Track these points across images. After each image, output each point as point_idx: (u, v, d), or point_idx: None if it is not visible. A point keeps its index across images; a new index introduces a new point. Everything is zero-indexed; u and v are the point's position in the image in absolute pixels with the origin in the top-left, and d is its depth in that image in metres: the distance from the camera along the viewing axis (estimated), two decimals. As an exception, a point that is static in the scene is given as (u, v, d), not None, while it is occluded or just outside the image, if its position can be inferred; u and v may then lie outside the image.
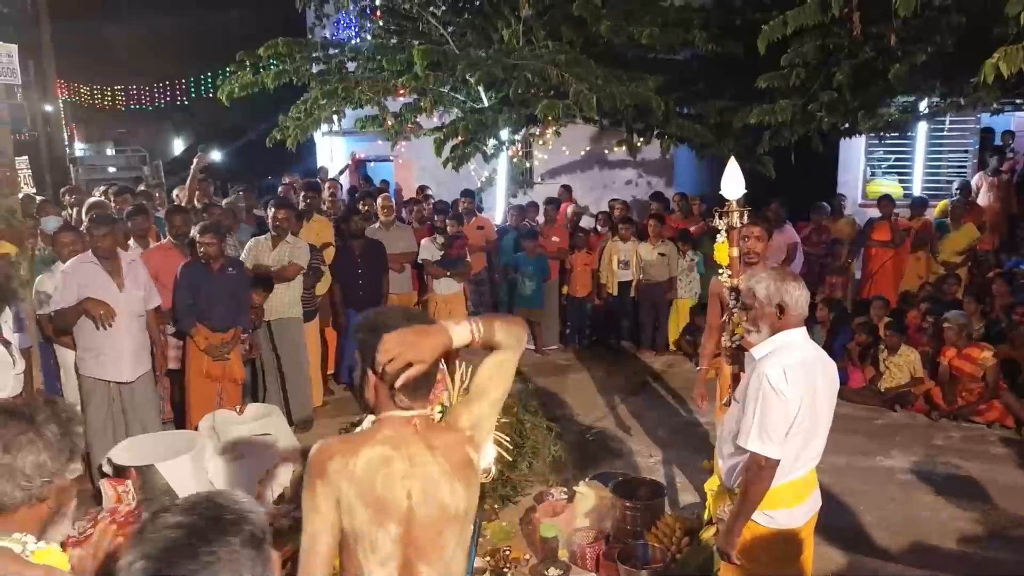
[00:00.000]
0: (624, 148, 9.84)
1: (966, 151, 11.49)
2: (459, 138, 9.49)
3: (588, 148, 12.01)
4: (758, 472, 2.74)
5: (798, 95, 7.85)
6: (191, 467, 4.56)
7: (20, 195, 6.38)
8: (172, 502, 1.37)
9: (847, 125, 8.79)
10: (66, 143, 19.05)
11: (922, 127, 11.01)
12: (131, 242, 6.09)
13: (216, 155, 20.26)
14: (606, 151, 11.66)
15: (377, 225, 7.59)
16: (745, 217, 3.59)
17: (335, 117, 9.79)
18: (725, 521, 2.93)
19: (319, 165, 14.46)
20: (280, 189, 10.23)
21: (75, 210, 7.24)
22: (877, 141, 11.60)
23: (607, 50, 9.12)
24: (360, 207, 8.24)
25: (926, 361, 6.70)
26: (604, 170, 12.39)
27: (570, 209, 9.64)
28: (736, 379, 3.43)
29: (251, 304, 5.92)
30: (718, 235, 3.70)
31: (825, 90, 7.85)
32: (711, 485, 3.51)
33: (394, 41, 9.87)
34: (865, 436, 6.03)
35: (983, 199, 10.05)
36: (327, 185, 9.94)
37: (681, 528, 4.12)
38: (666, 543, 4.04)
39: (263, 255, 6.24)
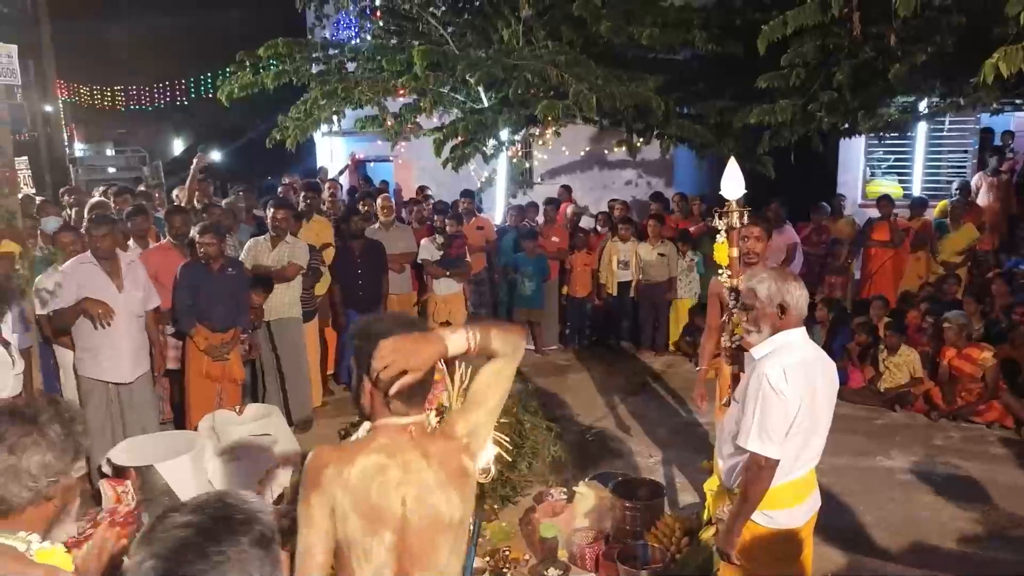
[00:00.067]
0: (624, 148, 9.84)
1: (966, 151, 11.49)
2: (459, 138, 9.49)
3: (588, 148, 12.01)
4: (758, 472, 2.74)
5: (798, 95, 7.85)
6: (191, 467, 4.56)
7: (20, 195, 6.38)
8: (181, 502, 1.37)
9: (847, 125, 8.79)
10: (66, 143, 19.06)
11: (922, 127, 11.02)
12: (131, 242, 6.09)
13: (216, 155, 20.25)
14: (606, 151, 11.66)
15: (377, 225, 7.58)
16: (745, 217, 3.59)
17: (335, 117, 9.78)
18: (725, 521, 2.93)
19: (319, 165, 14.46)
20: (280, 189, 10.22)
21: (74, 210, 7.24)
22: (877, 141, 11.60)
23: (607, 50, 9.12)
24: (360, 207, 8.24)
25: (926, 361, 6.70)
26: (604, 170, 12.39)
27: (570, 209, 9.64)
28: (736, 379, 3.43)
29: (251, 304, 5.92)
30: (718, 235, 3.71)
31: (825, 90, 7.85)
32: (711, 485, 3.52)
33: (394, 41, 9.86)
34: (865, 436, 6.03)
35: (983, 199, 10.05)
36: (327, 185, 9.94)
37: (681, 528, 4.12)
38: (666, 543, 4.04)
39: (262, 255, 6.24)
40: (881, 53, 7.27)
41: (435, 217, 8.28)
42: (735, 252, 3.63)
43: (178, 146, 27.06)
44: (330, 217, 7.79)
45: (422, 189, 10.98)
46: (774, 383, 2.68)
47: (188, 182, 7.66)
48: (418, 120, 10.00)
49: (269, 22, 12.97)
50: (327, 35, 11.30)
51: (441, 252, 7.56)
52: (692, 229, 8.58)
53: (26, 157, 12.86)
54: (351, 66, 9.75)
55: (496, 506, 4.61)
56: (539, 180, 12.54)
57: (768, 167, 8.78)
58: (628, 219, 8.72)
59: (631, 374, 7.80)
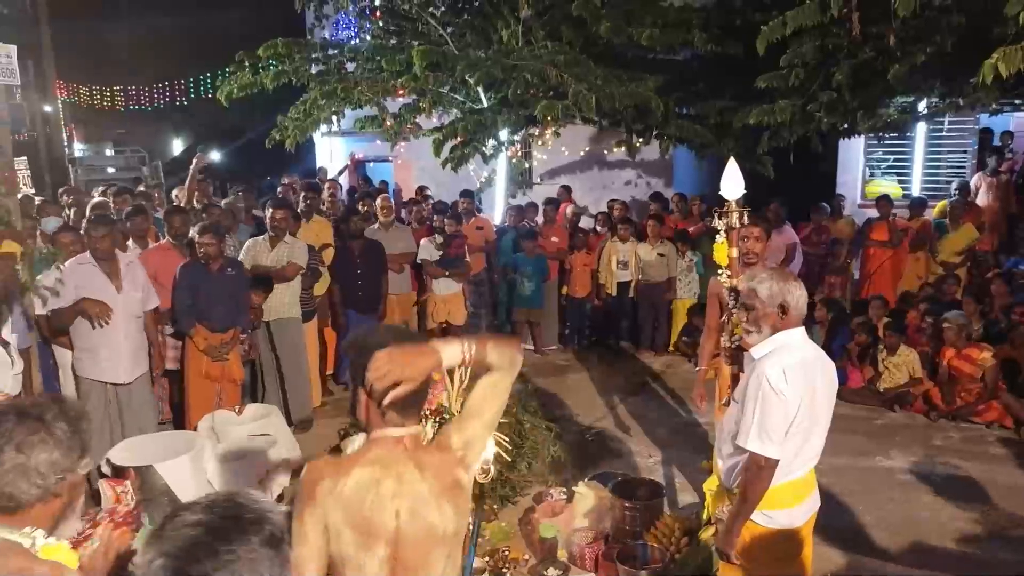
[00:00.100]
0: (623, 148, 9.84)
1: (965, 151, 11.49)
2: (458, 138, 9.49)
3: (587, 148, 12.01)
4: (757, 472, 2.74)
5: (797, 95, 7.85)
6: (190, 467, 4.55)
7: (19, 195, 6.37)
8: (192, 500, 1.37)
9: (846, 125, 8.80)
10: (65, 143, 19.06)
11: (921, 127, 11.02)
12: (130, 242, 6.09)
13: (215, 155, 20.25)
14: (605, 152, 11.66)
15: (376, 226, 7.58)
16: (744, 217, 3.60)
17: (334, 117, 9.78)
18: (724, 521, 2.93)
19: (318, 165, 14.47)
20: (279, 190, 10.22)
21: (73, 211, 7.23)
22: (876, 141, 11.60)
23: (607, 50, 9.12)
24: (359, 208, 8.24)
25: (925, 361, 6.70)
26: (603, 170, 12.39)
27: (569, 209, 9.64)
28: (735, 379, 3.44)
29: (250, 304, 5.91)
30: (717, 235, 3.71)
31: (824, 90, 7.86)
32: (710, 485, 3.51)
33: (393, 42, 9.86)
34: (864, 436, 6.03)
35: (982, 199, 10.05)
36: (327, 186, 9.94)
37: (680, 528, 4.12)
38: (665, 543, 4.04)
39: (261, 256, 6.23)
40: (880, 53, 7.27)
41: (434, 217, 8.27)
42: (735, 252, 3.64)
43: (177, 146, 27.07)
44: (329, 217, 7.79)
45: (421, 189, 10.97)
46: (774, 383, 2.68)
47: (187, 182, 7.67)
48: (417, 120, 10.00)
49: (268, 22, 12.97)
50: (326, 35, 11.29)
51: (440, 252, 7.56)
52: (691, 229, 8.59)
53: (25, 157, 12.83)
54: (350, 66, 9.74)
55: (496, 506, 4.60)
56: (538, 180, 12.54)
57: (767, 167, 8.78)
58: (627, 219, 8.72)
59: (630, 374, 7.80)
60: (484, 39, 9.42)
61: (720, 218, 3.61)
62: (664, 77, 8.65)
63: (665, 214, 9.02)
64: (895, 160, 11.92)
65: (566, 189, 10.73)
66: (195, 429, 5.26)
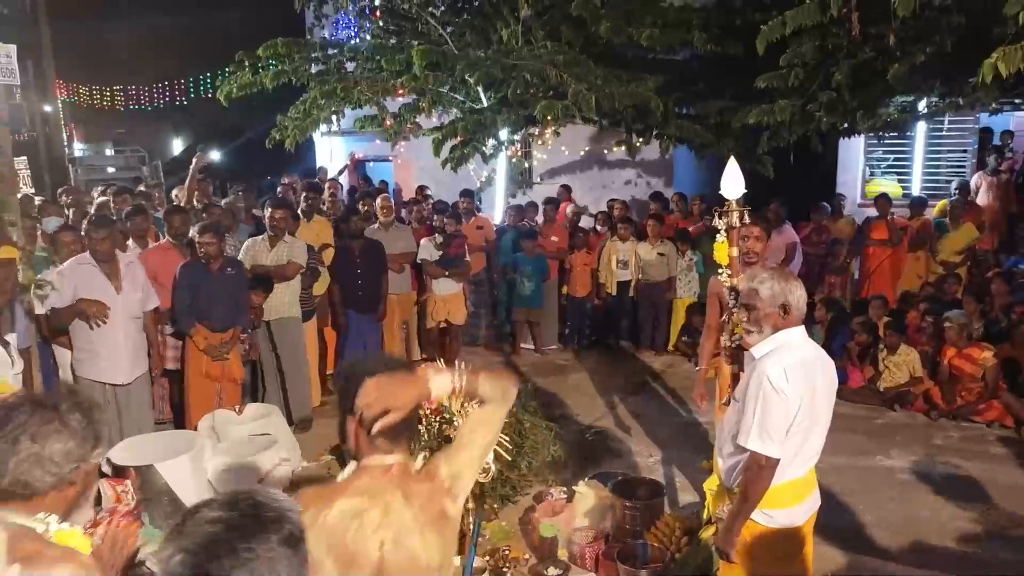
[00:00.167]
0: (623, 148, 9.84)
1: (965, 151, 11.49)
2: (458, 138, 9.49)
3: (587, 148, 12.01)
4: (758, 471, 2.74)
5: (797, 95, 7.85)
6: (190, 467, 4.56)
7: (19, 195, 6.37)
8: (211, 497, 1.38)
9: (846, 125, 8.80)
10: (65, 143, 19.06)
11: (921, 127, 11.02)
12: (130, 242, 6.09)
13: (215, 155, 20.27)
14: (605, 151, 11.66)
15: (376, 225, 7.58)
16: (745, 217, 3.60)
17: (334, 117, 9.78)
18: (724, 520, 2.93)
19: (318, 165, 14.46)
20: (279, 189, 10.22)
21: (72, 211, 7.23)
22: (876, 141, 11.60)
23: (606, 50, 9.12)
24: (359, 207, 8.24)
25: (925, 361, 6.70)
26: (603, 170, 12.39)
27: (569, 209, 9.64)
28: (735, 378, 3.44)
29: (250, 304, 5.91)
30: (717, 235, 3.71)
31: (824, 90, 7.86)
32: (710, 484, 3.51)
33: (393, 41, 9.86)
34: (865, 436, 6.03)
35: (982, 199, 10.05)
36: (327, 185, 9.94)
37: (680, 528, 4.12)
38: (665, 543, 4.04)
39: (261, 255, 6.23)
40: (880, 53, 7.27)
41: (434, 217, 8.27)
42: (735, 252, 3.64)
43: (177, 146, 27.08)
44: (330, 217, 7.79)
45: (421, 189, 10.97)
46: (775, 382, 2.68)
47: (187, 182, 7.66)
48: (417, 120, 10.00)
49: (268, 22, 12.98)
50: (326, 35, 11.29)
51: (440, 252, 7.55)
52: (691, 229, 8.59)
53: (25, 157, 12.86)
54: (350, 66, 9.74)
55: (496, 505, 4.61)
56: (538, 180, 12.54)
57: (767, 167, 8.78)
58: (627, 219, 8.73)
59: (631, 373, 7.80)
60: (484, 39, 9.42)
61: (720, 217, 3.61)
62: (664, 77, 8.65)
63: (665, 214, 9.01)
64: (895, 159, 11.92)
65: (566, 189, 10.73)
66: (195, 429, 5.27)
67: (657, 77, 8.48)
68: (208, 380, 5.59)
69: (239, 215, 7.54)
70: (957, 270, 8.19)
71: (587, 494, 4.50)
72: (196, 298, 5.52)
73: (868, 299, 7.79)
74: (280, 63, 9.28)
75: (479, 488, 4.00)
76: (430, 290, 7.67)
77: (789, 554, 2.91)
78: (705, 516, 3.83)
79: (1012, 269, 8.16)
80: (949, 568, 4.24)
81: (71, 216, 7.01)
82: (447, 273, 7.51)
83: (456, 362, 4.25)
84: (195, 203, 7.36)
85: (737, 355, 3.52)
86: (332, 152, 15.28)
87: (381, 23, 10.44)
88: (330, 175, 13.03)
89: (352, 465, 1.98)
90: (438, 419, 3.91)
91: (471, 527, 3.84)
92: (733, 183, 3.56)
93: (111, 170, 19.37)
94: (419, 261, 7.62)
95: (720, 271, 3.79)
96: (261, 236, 6.39)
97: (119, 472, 4.59)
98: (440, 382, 1.93)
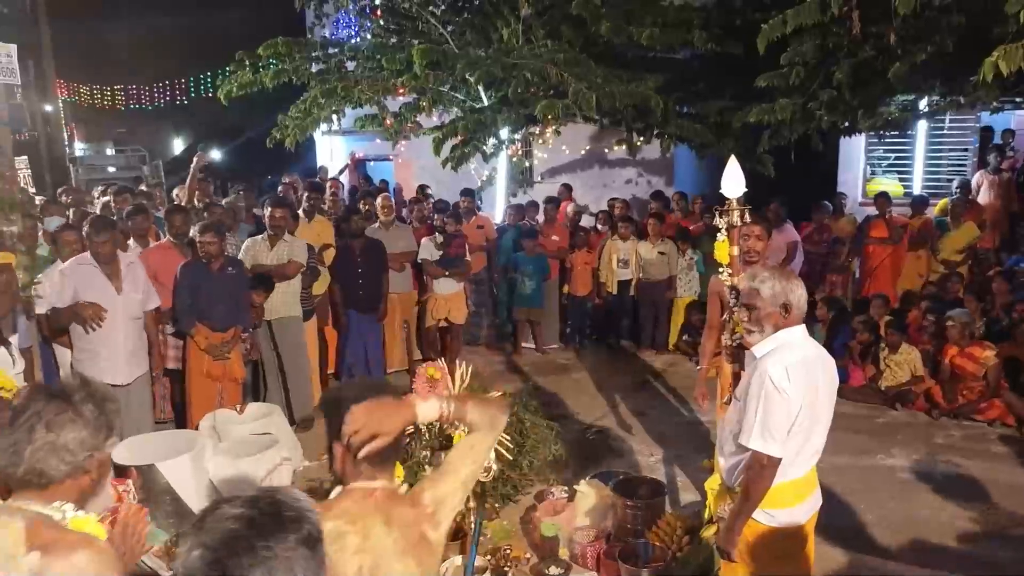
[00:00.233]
0: (624, 147, 9.84)
1: (966, 149, 11.49)
2: (458, 137, 9.49)
3: (588, 147, 12.01)
4: (760, 471, 2.74)
5: (798, 94, 7.85)
6: (191, 467, 4.55)
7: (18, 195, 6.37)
8: (234, 495, 1.38)
9: (847, 124, 8.79)
10: (66, 143, 19.08)
11: (922, 126, 11.01)
12: (130, 242, 6.08)
13: (216, 154, 20.29)
14: (606, 150, 11.66)
15: (377, 225, 7.58)
16: (746, 216, 3.60)
17: (334, 116, 9.78)
18: (726, 520, 2.93)
19: (319, 164, 14.47)
20: (280, 189, 10.23)
21: (72, 211, 7.23)
22: (877, 140, 11.59)
23: (607, 50, 9.12)
24: (360, 207, 8.24)
25: (927, 359, 6.70)
26: (604, 169, 12.39)
27: (570, 208, 9.64)
28: (736, 377, 3.43)
29: (251, 304, 5.91)
30: (718, 234, 3.71)
31: (825, 89, 7.85)
32: (712, 484, 3.51)
33: (393, 40, 9.86)
34: (866, 435, 6.03)
35: (983, 197, 10.05)
36: (329, 184, 9.94)
37: (682, 527, 4.12)
38: (667, 542, 4.04)
39: (261, 255, 6.23)
40: (881, 52, 7.26)
41: (435, 216, 8.27)
42: (736, 251, 3.63)
43: (178, 145, 27.11)
44: (330, 216, 7.79)
45: (422, 188, 10.97)
46: (777, 382, 2.68)
47: (188, 181, 7.66)
48: (418, 119, 10.00)
49: (269, 21, 12.97)
50: (326, 34, 11.30)
51: (441, 252, 7.55)
52: (692, 228, 8.59)
53: (26, 157, 12.87)
54: (351, 65, 9.74)
55: (497, 504, 4.60)
56: (539, 179, 12.55)
57: (768, 166, 8.78)
58: (628, 218, 8.73)
59: (631, 373, 7.80)
60: (484, 38, 9.42)
61: (721, 216, 3.61)
62: (664, 76, 8.65)
63: (666, 213, 9.01)
64: (896, 158, 11.92)
65: (567, 188, 10.72)
66: (196, 428, 5.26)
67: (657, 76, 8.48)
68: (209, 380, 5.59)
69: (240, 214, 7.54)
70: (958, 269, 8.18)
71: (588, 493, 4.50)
72: (197, 298, 5.52)
73: (869, 298, 7.79)
74: (280, 62, 9.28)
75: (480, 487, 4.00)
76: (431, 290, 7.67)
77: (790, 553, 2.91)
78: (706, 515, 3.83)
79: (1013, 268, 8.15)
80: (950, 567, 4.24)
81: (72, 216, 7.01)
82: (447, 273, 7.51)
83: (457, 362, 4.29)
84: (196, 202, 7.36)
85: (738, 354, 3.52)
86: (333, 151, 15.28)
87: (381, 22, 10.44)
88: (331, 174, 13.03)
89: (338, 489, 1.99)
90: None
91: (472, 526, 3.84)
92: (734, 182, 3.56)
93: (112, 170, 19.38)
94: (419, 261, 7.62)
95: (721, 270, 3.79)
96: (261, 235, 6.38)
97: (120, 472, 4.59)
98: (426, 408, 1.94)
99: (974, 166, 11.11)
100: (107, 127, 24.23)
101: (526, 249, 8.24)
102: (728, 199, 3.57)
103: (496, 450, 3.90)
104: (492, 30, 9.31)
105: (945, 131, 11.47)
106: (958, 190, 9.70)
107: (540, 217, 9.00)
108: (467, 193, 9.11)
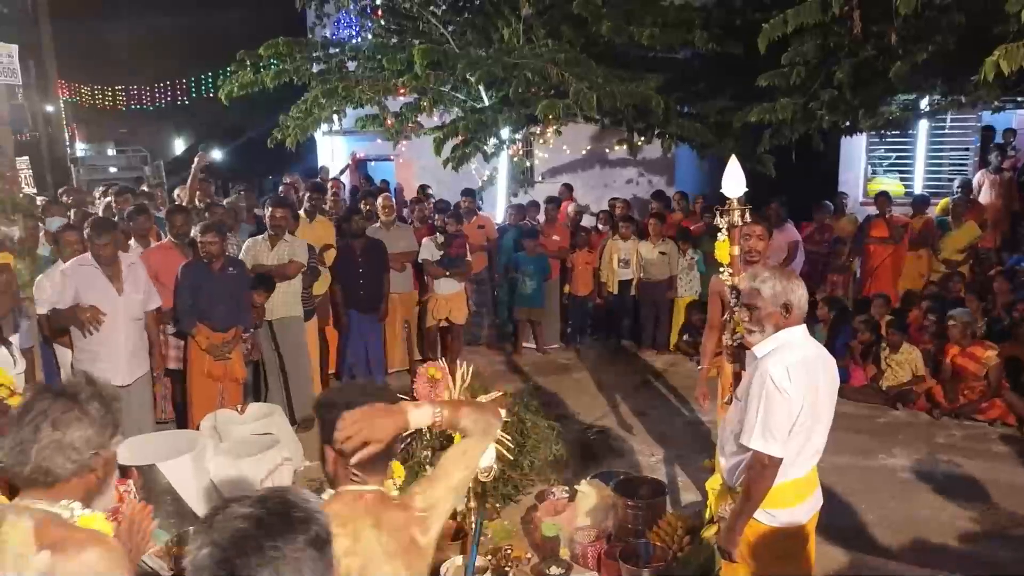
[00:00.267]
0: (625, 147, 9.84)
1: (967, 149, 11.49)
2: (459, 137, 9.49)
3: (589, 147, 12.02)
4: (761, 470, 2.74)
5: (799, 94, 7.85)
6: (192, 467, 4.56)
7: (20, 195, 6.39)
8: (244, 494, 1.39)
9: (848, 123, 8.79)
10: (67, 143, 19.11)
11: (923, 125, 11.01)
12: (132, 242, 6.09)
13: (217, 155, 20.31)
14: (607, 150, 11.66)
15: (378, 225, 7.58)
16: (747, 216, 3.60)
17: (335, 116, 9.79)
18: (727, 520, 2.93)
19: (320, 164, 14.47)
20: (281, 189, 10.23)
21: (72, 211, 7.24)
22: (878, 139, 11.59)
23: (607, 49, 9.11)
24: (361, 207, 8.24)
25: (928, 359, 6.69)
26: (605, 169, 12.39)
27: (571, 208, 9.64)
28: (737, 377, 3.43)
29: (252, 304, 5.91)
30: (719, 233, 3.70)
31: (826, 88, 7.84)
32: (713, 484, 3.51)
33: (394, 40, 9.87)
34: (867, 435, 6.03)
35: (985, 197, 10.05)
36: (331, 184, 9.94)
37: (683, 527, 4.12)
38: (668, 542, 4.04)
39: (262, 255, 6.23)
40: (882, 52, 7.26)
41: (436, 216, 8.27)
42: (736, 250, 3.63)
43: (179, 145, 27.13)
44: (331, 217, 7.79)
45: (423, 188, 10.98)
46: (778, 381, 2.68)
47: (189, 181, 7.67)
48: (419, 119, 10.00)
49: (269, 21, 12.98)
50: (327, 34, 11.30)
51: (441, 252, 7.55)
52: (693, 227, 8.58)
53: (27, 157, 12.87)
54: (351, 65, 9.75)
55: (498, 504, 4.61)
56: (540, 179, 12.55)
57: (769, 166, 8.78)
58: (629, 217, 8.73)
59: (632, 372, 7.80)
60: (485, 38, 9.42)
61: (722, 216, 3.61)
62: (665, 76, 8.65)
63: (667, 212, 9.01)
64: (897, 158, 11.92)
65: (568, 188, 10.72)
66: (197, 428, 5.27)
67: (658, 76, 8.48)
68: (210, 380, 5.59)
69: (241, 215, 7.54)
70: (959, 268, 8.18)
71: (589, 493, 4.50)
72: (198, 298, 5.52)
73: (870, 297, 7.78)
74: (281, 62, 9.28)
75: (481, 487, 4.00)
76: (432, 290, 7.67)
77: (791, 553, 2.91)
78: (707, 515, 3.83)
79: (1014, 267, 8.14)
80: (950, 567, 4.23)
81: (73, 216, 7.02)
82: (448, 273, 7.51)
83: (458, 362, 4.29)
84: (197, 203, 7.36)
85: (739, 354, 3.52)
86: (333, 151, 15.29)
87: (382, 22, 10.44)
88: (332, 174, 13.04)
89: (328, 492, 1.99)
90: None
91: (473, 526, 3.84)
92: (734, 182, 3.56)
93: (113, 170, 19.40)
94: (420, 261, 7.62)
95: (722, 270, 3.78)
96: (262, 235, 6.39)
97: (122, 472, 4.59)
98: (418, 415, 1.94)
99: (975, 165, 11.11)
100: (108, 127, 24.24)
101: (527, 249, 8.24)
102: (729, 199, 3.57)
103: (497, 450, 3.90)
104: (493, 30, 9.31)
105: (946, 130, 11.46)
106: (959, 189, 9.70)
107: (541, 217, 9.00)
108: (468, 193, 9.11)
